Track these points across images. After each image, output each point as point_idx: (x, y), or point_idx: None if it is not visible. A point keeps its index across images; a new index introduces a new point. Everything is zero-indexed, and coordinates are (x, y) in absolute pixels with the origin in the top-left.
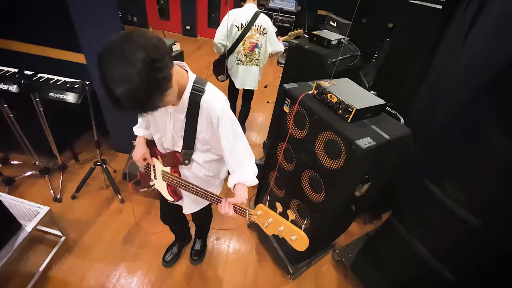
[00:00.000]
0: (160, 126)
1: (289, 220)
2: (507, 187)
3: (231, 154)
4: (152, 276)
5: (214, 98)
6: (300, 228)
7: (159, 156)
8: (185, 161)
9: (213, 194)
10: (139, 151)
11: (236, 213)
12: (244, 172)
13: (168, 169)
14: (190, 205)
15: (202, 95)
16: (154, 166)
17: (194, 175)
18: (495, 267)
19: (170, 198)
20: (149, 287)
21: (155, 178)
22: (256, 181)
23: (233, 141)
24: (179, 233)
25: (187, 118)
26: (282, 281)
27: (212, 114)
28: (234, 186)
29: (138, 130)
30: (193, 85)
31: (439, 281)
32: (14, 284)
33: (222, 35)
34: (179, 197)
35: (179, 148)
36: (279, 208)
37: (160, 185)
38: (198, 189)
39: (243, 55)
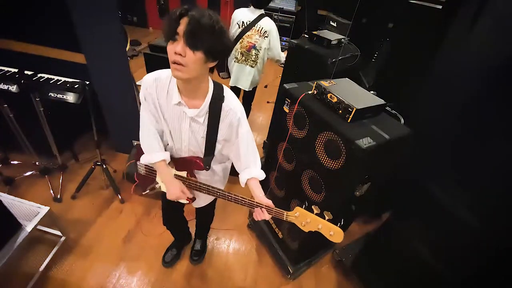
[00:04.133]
0: (174, 128)
1: (326, 219)
2: (507, 187)
3: (246, 151)
4: (152, 276)
5: (234, 103)
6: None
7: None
8: (206, 167)
9: (244, 198)
10: (177, 188)
11: (272, 215)
12: (256, 167)
13: (184, 173)
14: (201, 201)
15: (222, 102)
16: None
17: (207, 177)
18: (495, 267)
19: (184, 201)
20: (149, 287)
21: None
22: (264, 175)
23: (248, 139)
24: (179, 234)
25: (209, 124)
26: (282, 281)
27: (233, 117)
28: (247, 182)
29: (156, 155)
30: (213, 91)
31: (439, 281)
32: (14, 284)
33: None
34: (193, 199)
35: (193, 148)
36: (316, 210)
37: None
38: (226, 193)
39: (239, 53)
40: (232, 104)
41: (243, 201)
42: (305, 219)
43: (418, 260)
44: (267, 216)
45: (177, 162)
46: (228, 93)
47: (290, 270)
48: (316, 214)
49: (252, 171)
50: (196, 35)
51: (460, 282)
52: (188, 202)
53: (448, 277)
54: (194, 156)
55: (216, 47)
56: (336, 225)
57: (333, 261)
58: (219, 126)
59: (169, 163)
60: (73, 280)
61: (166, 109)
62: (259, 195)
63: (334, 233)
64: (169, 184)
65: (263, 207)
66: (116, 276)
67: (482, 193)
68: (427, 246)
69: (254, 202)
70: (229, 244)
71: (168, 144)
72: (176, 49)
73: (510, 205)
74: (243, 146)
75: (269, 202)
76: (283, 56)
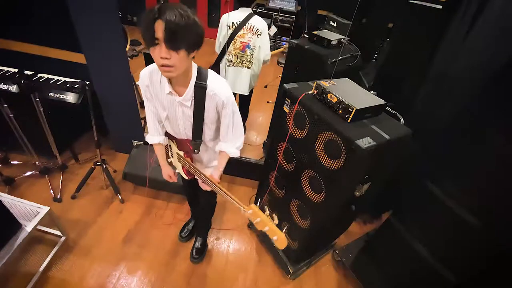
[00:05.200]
0: (171, 114)
1: (274, 222)
2: (507, 187)
3: (226, 129)
4: (152, 276)
5: (217, 87)
6: (281, 230)
7: (173, 140)
8: (195, 150)
9: (211, 179)
10: (165, 172)
11: (232, 204)
12: (231, 144)
13: (182, 153)
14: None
15: (206, 86)
16: (170, 146)
17: (204, 153)
18: (495, 267)
19: (185, 176)
20: (149, 287)
21: (172, 156)
22: (237, 154)
23: (231, 119)
24: (194, 205)
25: (195, 108)
26: (282, 281)
27: (218, 100)
28: (220, 152)
29: (153, 138)
30: (197, 77)
31: (439, 281)
32: (14, 284)
33: (219, 42)
34: (192, 175)
35: (189, 133)
36: (267, 213)
37: (176, 163)
38: (199, 172)
39: (233, 56)
40: (215, 89)
41: (216, 185)
42: (256, 217)
43: (418, 260)
44: (207, 188)
45: (177, 142)
46: (212, 78)
47: (290, 270)
48: (268, 216)
49: (226, 145)
50: (176, 38)
51: (460, 282)
52: (188, 178)
53: (448, 277)
54: (187, 139)
55: (194, 40)
56: (281, 231)
57: (333, 261)
58: (205, 109)
59: (172, 142)
60: (73, 280)
61: (162, 98)
62: (219, 167)
63: (277, 238)
64: (162, 167)
65: (209, 181)
66: (116, 276)
67: (482, 192)
68: (427, 246)
69: (216, 185)
70: (229, 244)
71: (170, 130)
72: (161, 54)
73: (509, 205)
74: (225, 125)
75: (215, 177)
76: (269, 55)
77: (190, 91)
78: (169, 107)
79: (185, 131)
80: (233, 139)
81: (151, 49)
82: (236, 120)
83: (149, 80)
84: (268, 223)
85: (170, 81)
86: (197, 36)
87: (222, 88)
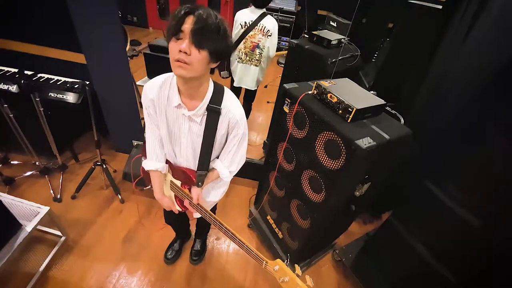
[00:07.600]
0: (174, 132)
1: (306, 284)
2: (507, 187)
3: (229, 150)
4: (152, 276)
5: (234, 105)
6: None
7: (169, 166)
8: (199, 183)
9: (228, 228)
10: (166, 205)
11: (252, 257)
12: (227, 164)
13: (178, 182)
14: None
15: (221, 105)
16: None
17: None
18: (495, 267)
19: (177, 208)
20: (149, 287)
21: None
22: (227, 178)
23: (238, 142)
24: (180, 231)
25: (207, 125)
26: None
27: (232, 117)
28: (211, 170)
29: (150, 164)
30: (213, 92)
31: (439, 281)
32: (14, 284)
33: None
34: (186, 208)
35: (190, 156)
36: (298, 271)
37: (168, 192)
38: (208, 214)
39: (243, 53)
40: (230, 106)
41: (226, 230)
42: (283, 275)
43: (418, 260)
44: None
45: (174, 170)
46: (228, 96)
47: None
48: (297, 275)
49: (221, 164)
50: (203, 34)
51: (460, 282)
52: (182, 210)
53: (448, 277)
54: (189, 169)
55: (220, 48)
56: None
57: (333, 261)
58: (217, 128)
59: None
60: (73, 280)
61: (166, 113)
62: (204, 184)
63: None
64: (159, 200)
65: (191, 201)
66: (116, 276)
67: (482, 192)
68: (427, 246)
69: (236, 236)
70: (229, 244)
71: (169, 150)
72: (181, 47)
73: (510, 205)
74: (230, 145)
75: (194, 195)
76: (274, 53)
77: (203, 107)
78: (174, 123)
79: (186, 154)
80: (231, 161)
81: (171, 43)
82: (242, 145)
83: (157, 92)
84: (300, 284)
85: (180, 92)
86: (224, 45)
87: (237, 108)
